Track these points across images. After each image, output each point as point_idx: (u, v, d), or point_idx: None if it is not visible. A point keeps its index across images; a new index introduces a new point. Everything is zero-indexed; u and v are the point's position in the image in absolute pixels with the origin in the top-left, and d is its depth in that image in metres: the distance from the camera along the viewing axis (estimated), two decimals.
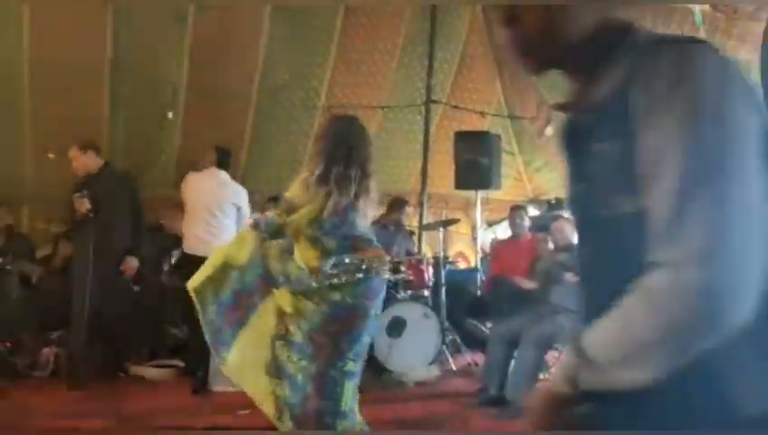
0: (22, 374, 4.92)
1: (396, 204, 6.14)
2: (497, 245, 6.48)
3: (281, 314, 3.12)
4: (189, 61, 6.51)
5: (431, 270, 5.78)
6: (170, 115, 6.54)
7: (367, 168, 3.04)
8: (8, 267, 5.12)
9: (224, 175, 5.04)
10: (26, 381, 4.82)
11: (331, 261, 2.97)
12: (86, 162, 4.88)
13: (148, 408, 4.27)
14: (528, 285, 5.16)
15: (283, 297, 3.13)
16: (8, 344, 5.05)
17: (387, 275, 3.18)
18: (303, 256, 3.01)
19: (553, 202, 6.56)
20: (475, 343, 5.87)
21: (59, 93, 6.29)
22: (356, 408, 3.21)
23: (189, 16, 6.31)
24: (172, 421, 3.96)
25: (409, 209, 6.27)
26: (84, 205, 4.66)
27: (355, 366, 3.23)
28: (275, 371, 3.13)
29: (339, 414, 3.07)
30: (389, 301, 5.41)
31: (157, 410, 4.21)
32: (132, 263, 4.94)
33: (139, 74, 6.41)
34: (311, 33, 6.78)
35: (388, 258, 3.24)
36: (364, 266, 3.12)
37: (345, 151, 2.98)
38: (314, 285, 2.97)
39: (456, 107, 7.40)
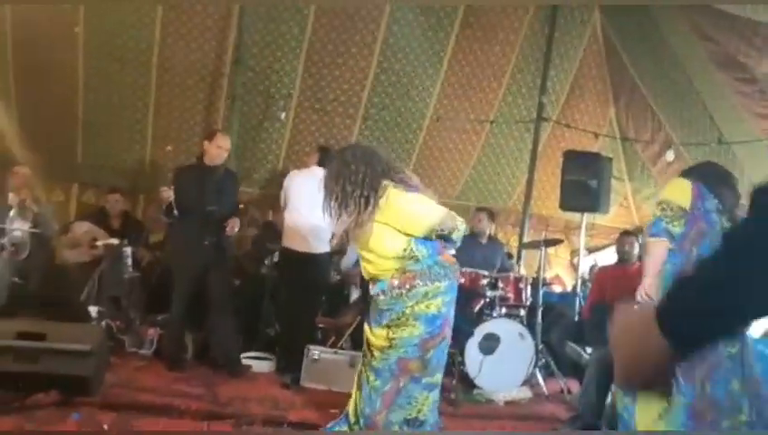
0: (128, 352, 5.17)
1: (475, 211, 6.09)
2: (600, 270, 6.25)
3: (369, 346, 3.25)
4: (304, 65, 6.70)
5: (529, 290, 5.65)
6: (282, 116, 6.74)
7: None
8: (123, 250, 5.38)
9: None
10: (132, 359, 5.05)
11: None
12: (222, 155, 4.91)
13: (242, 396, 4.37)
14: None
15: (373, 334, 3.23)
16: (118, 323, 5.32)
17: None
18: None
19: None
20: (569, 369, 5.68)
21: (181, 91, 6.65)
22: (436, 417, 3.22)
23: (309, 18, 6.48)
24: (264, 411, 4.04)
25: (484, 216, 6.10)
26: (168, 197, 4.75)
27: (440, 377, 3.24)
28: (358, 385, 3.30)
29: (417, 423, 3.18)
30: (484, 317, 5.34)
31: (249, 400, 4.31)
32: (235, 223, 4.84)
33: (257, 76, 6.65)
34: (425, 41, 6.83)
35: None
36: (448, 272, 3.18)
37: None
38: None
39: (567, 126, 7.23)
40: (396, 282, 3.18)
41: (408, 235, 3.13)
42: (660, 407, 2.77)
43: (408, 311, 3.15)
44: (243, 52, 6.41)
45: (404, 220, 3.12)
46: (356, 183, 3.10)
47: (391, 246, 3.13)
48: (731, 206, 3.06)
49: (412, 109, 7.11)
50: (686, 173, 3.25)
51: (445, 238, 3.24)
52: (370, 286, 3.32)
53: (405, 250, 3.14)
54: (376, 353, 3.24)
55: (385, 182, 3.13)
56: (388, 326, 3.19)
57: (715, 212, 3.04)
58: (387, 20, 6.58)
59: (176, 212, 4.72)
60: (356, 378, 3.40)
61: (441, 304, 3.18)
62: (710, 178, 3.15)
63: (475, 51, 6.91)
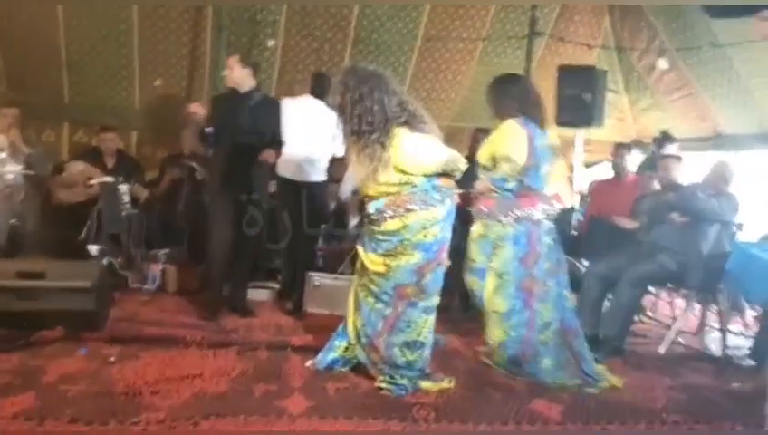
0: (133, 288, 5.24)
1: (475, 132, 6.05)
2: (597, 184, 6.25)
3: (364, 267, 3.31)
4: None
5: None
6: (271, 44, 6.59)
7: None
8: (119, 187, 5.37)
9: (319, 103, 5.05)
10: (137, 294, 5.13)
11: None
12: (241, 77, 4.61)
13: (246, 324, 4.46)
14: (629, 224, 4.98)
15: (369, 259, 3.28)
16: (119, 260, 5.38)
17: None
18: None
19: (660, 137, 6.23)
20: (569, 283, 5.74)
21: (165, 24, 6.47)
22: (432, 339, 3.30)
23: None
24: (268, 337, 4.13)
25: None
26: (199, 117, 4.54)
27: (437, 299, 3.31)
28: (355, 304, 3.39)
29: (417, 345, 3.27)
30: None
31: (253, 327, 4.39)
32: (269, 154, 4.49)
33: (242, 3, 6.46)
34: None
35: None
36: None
37: None
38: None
39: (560, 39, 7.06)
40: (389, 204, 3.20)
41: (411, 173, 3.14)
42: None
43: (405, 242, 3.19)
44: None
45: (407, 162, 3.14)
46: (372, 123, 3.11)
47: (386, 178, 3.16)
48: None
49: (403, 30, 6.92)
50: None
51: (448, 176, 3.28)
52: (366, 204, 3.34)
53: (401, 179, 3.16)
54: (373, 277, 3.30)
55: (396, 127, 3.14)
56: (385, 255, 3.23)
57: None
58: None
59: (211, 141, 4.55)
60: (350, 298, 3.46)
61: (438, 230, 3.22)
62: None
63: None
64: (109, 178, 5.48)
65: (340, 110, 3.23)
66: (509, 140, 3.49)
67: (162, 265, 5.37)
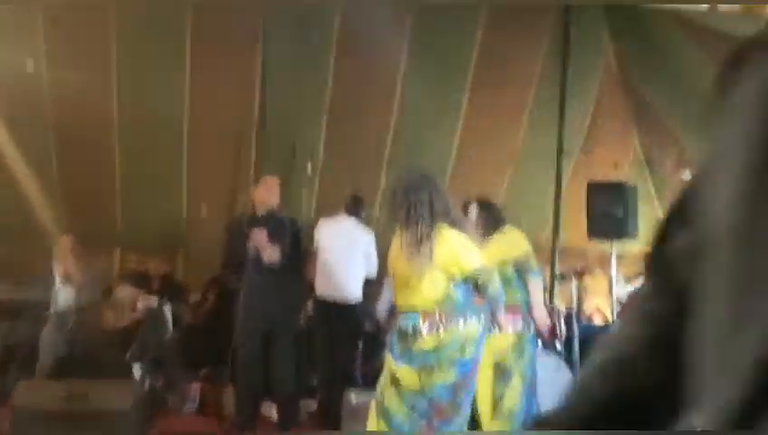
0: (173, 409, 5.30)
1: None
2: (632, 297, 6.18)
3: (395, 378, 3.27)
4: (328, 117, 6.88)
5: (563, 323, 5.62)
6: (309, 169, 6.91)
7: None
8: (163, 308, 5.55)
9: (354, 221, 5.21)
10: (178, 416, 5.17)
11: None
12: (274, 199, 4.80)
13: None
14: None
15: (403, 373, 3.24)
16: (161, 383, 5.46)
17: None
18: None
19: None
20: None
21: (212, 151, 6.90)
22: None
23: (330, 72, 6.70)
24: None
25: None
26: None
27: (469, 412, 3.28)
28: (382, 414, 3.31)
29: None
30: None
31: None
32: (260, 235, 4.39)
33: (281, 132, 6.86)
34: (443, 89, 6.97)
35: None
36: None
37: None
38: None
39: (589, 153, 7.24)
40: (425, 319, 3.21)
41: (449, 273, 3.20)
42: None
43: (443, 358, 3.20)
44: (266, 110, 6.64)
45: (451, 257, 3.21)
46: (421, 215, 3.20)
47: (430, 286, 3.20)
48: None
49: (437, 151, 7.20)
50: None
51: (479, 290, 3.28)
52: (400, 318, 3.35)
53: (443, 293, 3.21)
54: (404, 390, 3.24)
55: (442, 223, 3.25)
56: (421, 370, 3.22)
57: None
58: (402, 74, 6.74)
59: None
60: (373, 409, 3.38)
61: (474, 348, 3.23)
62: None
63: (491, 94, 7.01)
64: (153, 299, 5.66)
65: (392, 206, 3.36)
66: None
67: (201, 383, 5.43)
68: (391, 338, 3.47)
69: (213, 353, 5.83)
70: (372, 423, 3.40)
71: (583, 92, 7.16)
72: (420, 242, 3.17)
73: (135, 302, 5.70)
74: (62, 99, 6.12)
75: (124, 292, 5.81)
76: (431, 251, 3.16)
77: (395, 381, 3.32)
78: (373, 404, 3.43)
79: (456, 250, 3.23)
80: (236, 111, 6.79)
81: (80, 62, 6.12)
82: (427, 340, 3.20)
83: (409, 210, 3.23)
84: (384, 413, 3.35)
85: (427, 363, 3.21)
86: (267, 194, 4.78)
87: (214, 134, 6.82)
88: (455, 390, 3.21)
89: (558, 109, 6.81)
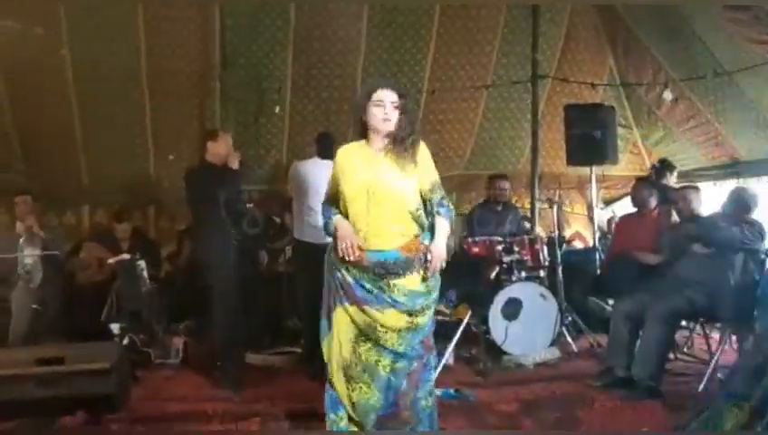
0: (156, 363, 5.20)
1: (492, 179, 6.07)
2: (619, 221, 6.14)
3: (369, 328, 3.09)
4: (293, 55, 6.64)
5: (546, 250, 5.58)
6: (278, 110, 6.70)
7: None
8: (137, 263, 5.39)
9: (327, 163, 5.06)
10: (160, 370, 5.06)
11: None
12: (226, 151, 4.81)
13: (269, 393, 4.38)
14: (652, 259, 4.87)
15: (389, 318, 3.05)
16: (141, 337, 5.36)
17: None
18: None
19: (658, 166, 6.15)
20: (598, 324, 5.62)
21: (174, 97, 6.63)
22: None
23: (291, 14, 6.44)
24: (291, 406, 4.04)
25: (506, 184, 6.07)
26: None
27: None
28: (370, 374, 3.07)
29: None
30: (503, 282, 5.28)
31: (276, 396, 4.30)
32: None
33: (247, 74, 6.61)
34: (410, 18, 6.74)
35: None
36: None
37: None
38: None
39: (564, 80, 7.09)
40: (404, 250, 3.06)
41: (420, 182, 3.06)
42: None
43: (431, 301, 3.11)
44: (229, 52, 6.37)
45: (424, 164, 3.09)
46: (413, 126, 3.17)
47: (413, 197, 3.05)
48: None
49: (407, 84, 6.99)
50: None
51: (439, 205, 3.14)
52: (367, 256, 3.05)
53: (417, 209, 3.06)
54: (391, 335, 3.03)
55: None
56: (410, 313, 3.05)
57: None
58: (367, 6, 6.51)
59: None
60: (339, 374, 3.12)
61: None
62: None
63: (463, 19, 6.80)
64: (125, 256, 5.50)
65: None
66: None
67: (184, 337, 5.34)
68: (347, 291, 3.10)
69: (194, 306, 5.73)
70: (341, 392, 3.12)
71: (556, 13, 6.97)
72: (411, 153, 3.11)
73: (104, 259, 5.53)
74: (10, 51, 5.77)
75: (93, 249, 5.63)
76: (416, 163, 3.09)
77: (369, 331, 3.06)
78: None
79: (428, 155, 3.17)
80: (196, 54, 6.50)
81: (29, 13, 5.76)
82: (410, 279, 3.07)
83: (401, 124, 3.12)
84: (370, 374, 3.06)
85: (417, 308, 3.07)
86: (221, 147, 4.79)
87: (174, 80, 6.53)
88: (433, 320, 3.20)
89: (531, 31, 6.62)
